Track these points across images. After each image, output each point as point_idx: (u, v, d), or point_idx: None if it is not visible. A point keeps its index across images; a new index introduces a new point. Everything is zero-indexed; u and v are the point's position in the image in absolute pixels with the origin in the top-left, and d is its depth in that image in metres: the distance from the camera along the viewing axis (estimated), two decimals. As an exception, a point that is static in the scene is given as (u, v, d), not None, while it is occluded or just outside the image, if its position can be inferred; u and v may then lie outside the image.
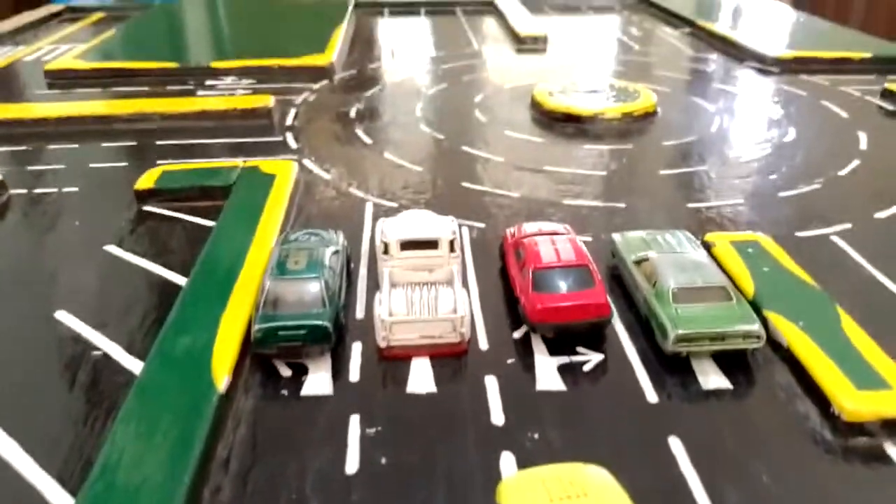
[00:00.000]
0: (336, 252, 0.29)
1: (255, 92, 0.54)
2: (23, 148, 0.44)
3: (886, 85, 0.54)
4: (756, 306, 0.26)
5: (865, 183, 0.39)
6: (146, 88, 0.56)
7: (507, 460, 0.21)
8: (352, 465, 0.21)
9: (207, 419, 0.21)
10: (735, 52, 0.68)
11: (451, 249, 0.29)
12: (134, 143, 0.44)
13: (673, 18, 0.83)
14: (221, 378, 0.23)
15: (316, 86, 0.55)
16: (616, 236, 0.30)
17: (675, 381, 0.24)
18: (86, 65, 0.59)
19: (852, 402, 0.22)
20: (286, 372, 0.24)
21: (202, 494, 0.20)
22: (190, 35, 0.72)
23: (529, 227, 0.31)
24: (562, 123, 0.46)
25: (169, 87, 0.56)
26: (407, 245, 0.29)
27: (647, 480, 0.20)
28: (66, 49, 0.70)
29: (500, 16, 0.84)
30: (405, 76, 0.59)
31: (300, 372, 0.25)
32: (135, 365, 0.25)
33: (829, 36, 0.72)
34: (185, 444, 0.20)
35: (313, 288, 0.26)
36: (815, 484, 0.20)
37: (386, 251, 0.29)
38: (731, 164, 0.41)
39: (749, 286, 0.27)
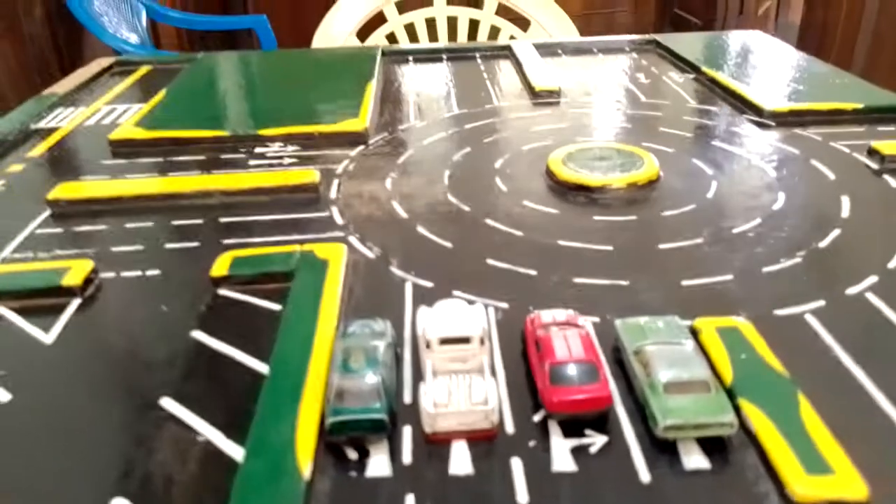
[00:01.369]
0: (388, 345, 0.35)
1: (300, 160, 0.60)
2: (102, 227, 0.50)
3: (872, 144, 0.59)
4: (732, 394, 0.32)
5: (842, 255, 0.44)
6: (202, 157, 0.62)
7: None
8: (410, 537, 0.27)
9: (299, 500, 0.28)
10: (735, 102, 0.73)
11: (482, 343, 0.35)
12: (200, 221, 0.50)
13: (679, 62, 0.88)
14: (306, 465, 0.29)
15: (353, 153, 0.61)
16: (618, 323, 0.36)
17: (664, 461, 0.30)
18: (145, 134, 0.65)
19: (801, 486, 0.27)
20: (353, 455, 0.31)
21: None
22: (230, 97, 0.79)
23: (546, 315, 0.37)
24: (574, 192, 0.52)
25: (223, 156, 0.62)
26: (445, 341, 0.35)
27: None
28: (122, 109, 0.77)
29: (517, 61, 0.89)
30: (432, 138, 0.66)
31: (363, 455, 0.31)
32: (233, 450, 0.31)
33: (826, 83, 0.77)
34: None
35: (372, 384, 0.32)
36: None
37: (428, 346, 0.35)
38: (723, 237, 0.46)
39: (728, 375, 0.33)
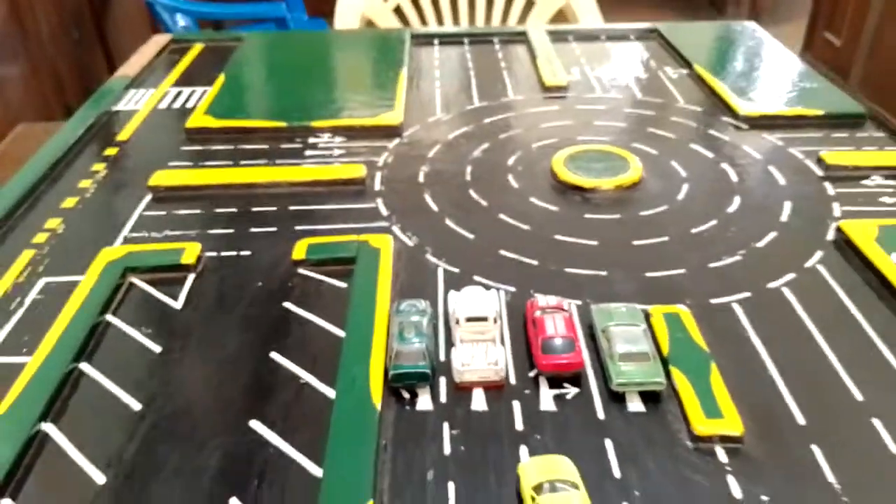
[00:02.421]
0: (429, 320, 0.50)
1: (347, 151, 0.73)
2: (197, 211, 0.65)
3: (821, 153, 0.71)
4: (666, 362, 0.47)
5: (772, 254, 0.58)
6: (265, 147, 0.76)
7: (523, 452, 0.43)
8: (446, 449, 0.43)
9: (374, 423, 0.44)
10: (717, 102, 0.85)
11: (495, 321, 0.50)
12: (274, 209, 0.65)
13: (675, 55, 1.00)
14: (378, 401, 0.45)
15: (391, 145, 0.74)
16: (593, 307, 0.50)
17: (615, 406, 0.45)
18: (215, 122, 0.79)
19: (701, 425, 0.42)
20: (406, 396, 0.46)
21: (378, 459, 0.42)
22: (281, 85, 0.91)
23: (541, 300, 0.52)
24: (571, 192, 0.65)
25: (282, 146, 0.76)
26: (469, 319, 0.50)
27: (588, 466, 0.41)
28: (187, 93, 0.90)
29: (531, 49, 1.01)
30: (456, 133, 0.78)
31: (413, 396, 0.46)
32: (327, 390, 0.47)
33: (800, 86, 0.88)
34: (368, 436, 0.43)
35: (419, 348, 0.47)
36: (673, 470, 0.42)
37: (457, 322, 0.50)
38: (684, 236, 0.60)
39: (665, 349, 0.47)
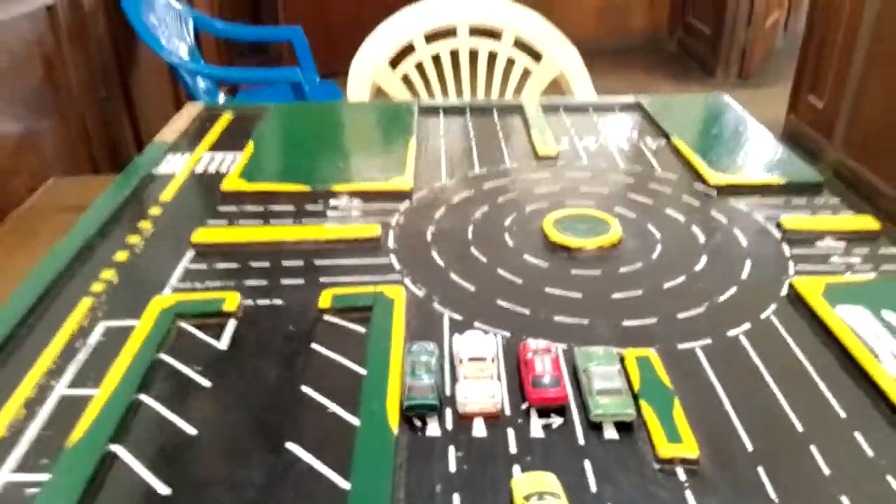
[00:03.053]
0: (436, 360, 0.60)
1: (364, 213, 0.84)
2: (235, 265, 0.75)
3: (780, 218, 0.82)
4: (637, 397, 0.56)
5: (732, 307, 0.67)
6: (292, 208, 0.86)
7: (516, 470, 0.51)
8: (452, 467, 0.52)
9: (392, 445, 0.53)
10: (690, 171, 0.96)
11: (493, 360, 0.60)
12: (301, 263, 0.75)
13: (656, 127, 1.11)
14: (395, 427, 0.54)
15: (402, 207, 0.85)
16: (576, 350, 0.59)
17: (594, 434, 0.54)
18: (247, 186, 0.89)
19: (664, 449, 0.51)
20: (418, 423, 0.55)
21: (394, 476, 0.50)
22: (304, 152, 1.02)
23: (531, 344, 0.61)
24: (559, 250, 0.75)
25: (307, 206, 0.86)
26: (471, 359, 0.59)
27: (569, 481, 0.50)
28: (220, 158, 1.00)
29: (525, 120, 1.13)
30: (459, 196, 0.89)
31: (424, 423, 0.55)
32: (352, 419, 0.56)
33: (764, 156, 1.00)
34: (387, 456, 0.51)
35: (429, 384, 0.57)
36: (641, 485, 0.50)
37: (460, 362, 0.60)
38: (656, 290, 0.69)
39: (636, 385, 0.56)
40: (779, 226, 0.83)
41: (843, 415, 0.56)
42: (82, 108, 2.15)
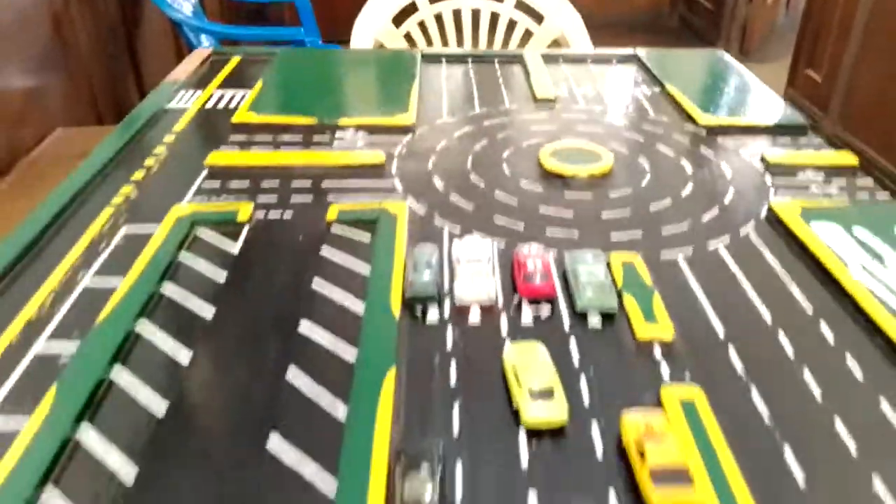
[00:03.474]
0: (436, 260, 0.64)
1: (368, 144, 0.88)
2: (246, 184, 0.79)
3: (764, 153, 0.86)
4: (621, 292, 0.61)
5: (714, 224, 0.71)
6: (299, 138, 0.90)
7: (507, 346, 0.56)
8: (449, 346, 0.57)
9: (395, 325, 0.57)
10: (682, 114, 1.00)
11: (488, 261, 0.64)
12: (309, 184, 0.79)
13: (651, 77, 1.15)
14: (397, 312, 0.58)
15: (404, 139, 0.89)
16: (566, 253, 0.65)
17: (578, 322, 0.59)
18: (257, 118, 0.93)
19: (641, 330, 0.56)
20: (419, 312, 0.60)
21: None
22: (311, 90, 1.06)
23: (524, 248, 0.66)
24: (554, 178, 0.80)
25: (314, 137, 0.91)
26: (469, 260, 0.64)
27: (555, 358, 0.55)
28: (230, 95, 1.05)
29: (526, 69, 1.16)
30: (460, 132, 0.93)
31: (424, 312, 0.60)
32: (358, 306, 0.60)
33: (755, 102, 1.04)
34: (390, 333, 0.56)
35: (429, 279, 0.61)
36: (619, 359, 0.55)
37: (458, 262, 0.64)
38: (643, 211, 0.74)
39: (620, 282, 0.61)
40: (763, 160, 0.88)
41: (809, 310, 0.61)
42: (89, 66, 2.18)
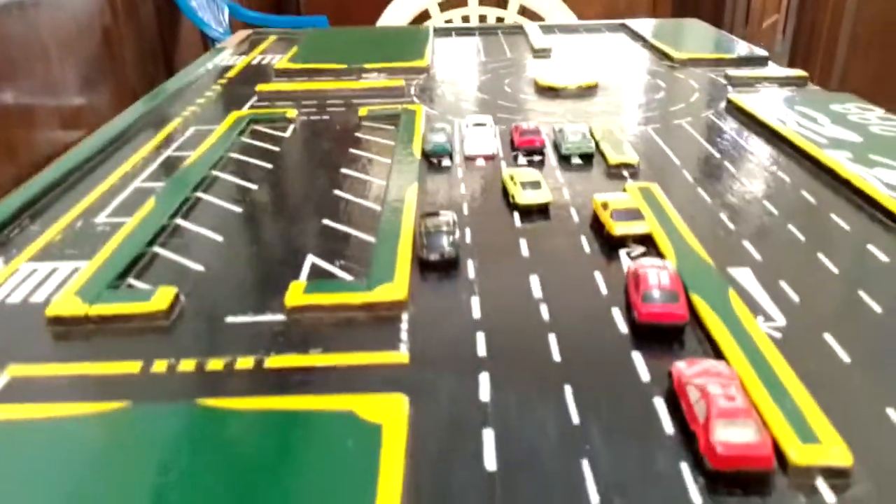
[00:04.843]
0: (448, 130, 0.80)
1: (390, 77, 1.05)
2: (291, 103, 0.96)
3: (727, 71, 1.02)
4: (598, 143, 0.76)
5: (680, 112, 0.87)
6: (332, 77, 1.07)
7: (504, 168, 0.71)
8: (459, 175, 0.72)
9: (417, 169, 0.73)
10: (660, 54, 1.16)
11: (490, 126, 0.80)
12: (342, 102, 0.96)
13: (638, 37, 1.32)
14: (418, 157, 0.74)
15: (421, 76, 1.06)
16: (555, 126, 0.81)
17: (563, 163, 0.74)
18: (295, 65, 1.11)
19: (613, 160, 0.72)
20: (435, 161, 0.75)
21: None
22: (339, 50, 1.24)
23: (523, 124, 0.81)
24: (548, 91, 0.96)
25: (343, 77, 1.08)
26: (475, 125, 0.80)
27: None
28: (269, 57, 1.23)
29: (526, 35, 1.34)
30: (468, 71, 1.10)
31: (440, 161, 0.75)
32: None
33: (722, 45, 1.20)
34: (413, 174, 0.71)
35: (444, 137, 0.77)
36: (594, 178, 0.70)
37: (467, 126, 0.80)
38: (622, 108, 0.90)
39: (597, 136, 0.77)
40: (726, 76, 1.03)
41: (750, 149, 0.75)
42: (132, 78, 2.41)
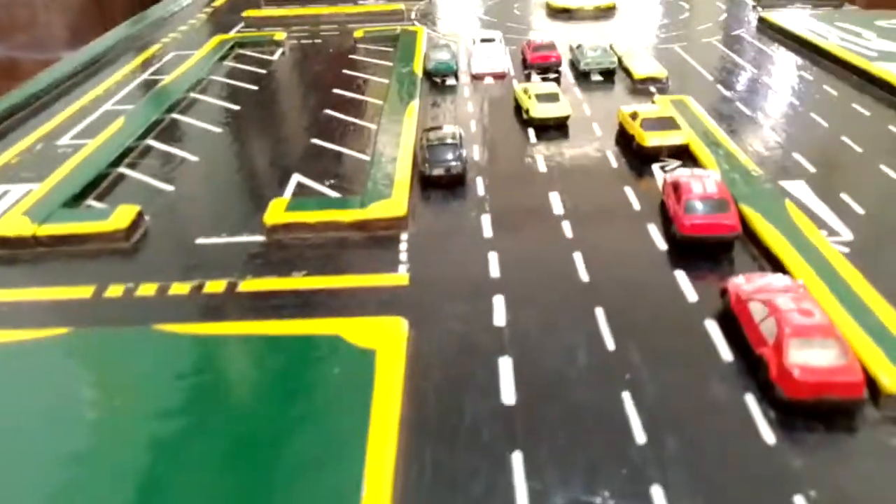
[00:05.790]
0: (452, 49, 0.72)
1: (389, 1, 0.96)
2: (281, 28, 0.88)
3: (761, 13, 0.93)
4: (619, 58, 0.68)
5: (708, 30, 0.80)
6: (325, 4, 0.99)
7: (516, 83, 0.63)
8: (467, 95, 0.64)
9: (417, 81, 0.65)
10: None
11: (500, 42, 0.72)
12: (336, 25, 0.88)
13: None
14: (419, 75, 0.66)
15: (422, 3, 0.98)
16: (572, 43, 0.73)
17: (583, 80, 0.66)
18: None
19: (638, 74, 0.64)
20: (438, 80, 0.68)
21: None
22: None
23: (536, 38, 0.73)
24: (562, 13, 0.88)
25: (337, 2, 0.99)
26: (483, 40, 0.72)
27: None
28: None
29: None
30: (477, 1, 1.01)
31: (444, 80, 0.68)
32: (384, 80, 0.68)
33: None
34: (412, 83, 0.64)
35: (448, 55, 0.69)
36: (618, 94, 0.62)
37: (474, 43, 0.72)
38: (646, 27, 0.82)
39: (619, 53, 0.69)
40: (762, 20, 0.95)
41: (792, 71, 0.67)
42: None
